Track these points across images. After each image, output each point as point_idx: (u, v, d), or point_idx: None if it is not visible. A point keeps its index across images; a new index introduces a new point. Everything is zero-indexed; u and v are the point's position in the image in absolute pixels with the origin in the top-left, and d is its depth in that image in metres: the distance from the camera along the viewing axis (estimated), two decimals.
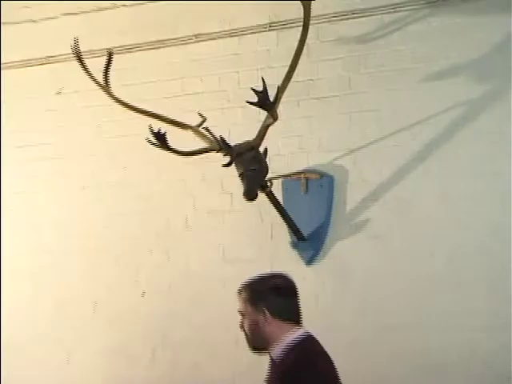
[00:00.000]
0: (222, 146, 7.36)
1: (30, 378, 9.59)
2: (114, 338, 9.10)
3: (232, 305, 7.30)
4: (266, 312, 6.63)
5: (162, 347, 8.86)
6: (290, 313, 6.87)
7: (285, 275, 6.87)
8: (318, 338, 7.34)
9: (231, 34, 8.24)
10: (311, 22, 7.12)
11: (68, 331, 9.27)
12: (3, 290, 9.65)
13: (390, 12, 7.67)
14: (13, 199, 9.51)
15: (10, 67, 9.24)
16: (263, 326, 6.63)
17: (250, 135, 7.48)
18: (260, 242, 8.23)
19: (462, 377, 7.61)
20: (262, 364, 6.69)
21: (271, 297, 6.74)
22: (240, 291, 6.78)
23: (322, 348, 6.83)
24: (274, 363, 6.64)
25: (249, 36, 8.13)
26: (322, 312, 8.02)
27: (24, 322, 9.59)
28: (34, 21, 9.02)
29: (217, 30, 8.32)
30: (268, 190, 7.59)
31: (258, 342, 6.69)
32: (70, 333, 9.29)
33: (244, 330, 6.67)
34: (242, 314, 6.68)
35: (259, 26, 8.04)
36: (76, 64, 7.60)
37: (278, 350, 6.62)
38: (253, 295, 6.75)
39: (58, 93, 8.90)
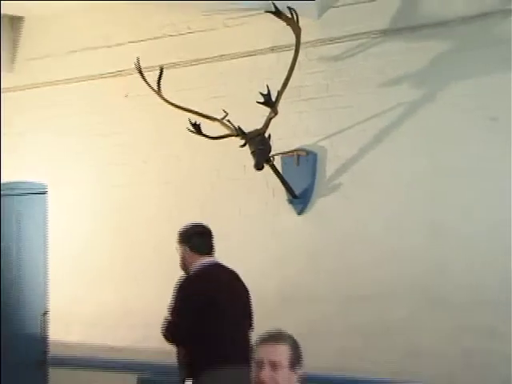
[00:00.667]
0: (239, 132, 7.73)
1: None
2: None
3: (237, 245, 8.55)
4: (187, 249, 7.71)
5: None
6: (204, 248, 7.79)
7: (203, 224, 7.86)
8: (302, 265, 7.78)
9: (245, 55, 8.37)
10: (301, 46, 7.33)
11: None
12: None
13: (356, 39, 7.82)
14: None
15: (99, 77, 9.36)
16: (187, 258, 7.65)
17: (259, 125, 7.63)
18: (265, 200, 8.39)
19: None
20: None
21: (192, 239, 7.73)
22: (177, 235, 7.86)
23: (218, 275, 7.71)
24: None
25: (257, 56, 8.29)
26: (307, 245, 8.18)
27: None
28: (108, 46, 9.14)
29: (235, 52, 8.41)
30: (271, 163, 7.91)
31: (185, 269, 7.73)
32: None
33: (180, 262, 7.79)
34: (177, 250, 7.79)
35: (265, 49, 8.23)
36: (138, 76, 7.93)
37: (190, 272, 7.72)
38: (181, 238, 7.83)
39: (126, 96, 9.09)
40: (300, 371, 4.69)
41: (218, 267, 7.72)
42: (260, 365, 4.64)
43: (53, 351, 9.88)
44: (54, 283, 9.89)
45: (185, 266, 7.70)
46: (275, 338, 4.72)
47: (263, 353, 4.65)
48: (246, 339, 7.51)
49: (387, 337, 7.69)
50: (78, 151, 9.73)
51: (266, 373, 4.59)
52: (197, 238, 7.75)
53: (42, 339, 10.00)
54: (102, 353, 9.42)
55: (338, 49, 7.99)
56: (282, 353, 4.63)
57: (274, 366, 4.59)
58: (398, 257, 7.69)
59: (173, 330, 7.55)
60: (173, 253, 8.17)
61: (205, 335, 7.35)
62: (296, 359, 4.67)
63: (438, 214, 7.52)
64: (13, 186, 10.32)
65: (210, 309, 7.34)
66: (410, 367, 7.52)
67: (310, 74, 7.97)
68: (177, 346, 7.59)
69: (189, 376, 7.41)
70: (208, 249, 7.73)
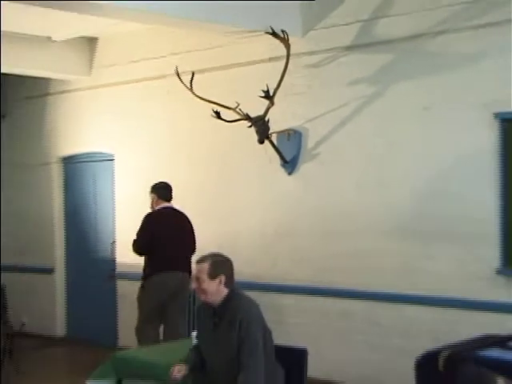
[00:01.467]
0: (247, 117, 7.80)
1: None
2: None
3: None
4: (155, 196, 8.32)
5: None
6: (164, 195, 8.36)
7: (166, 182, 8.40)
8: (291, 210, 7.98)
9: (250, 63, 8.33)
10: (290, 57, 7.43)
11: None
12: None
13: (329, 52, 7.76)
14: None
15: (150, 79, 9.35)
16: (154, 202, 8.28)
17: (261, 112, 7.65)
18: (265, 164, 8.31)
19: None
20: None
21: (159, 190, 8.34)
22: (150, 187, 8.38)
23: (170, 214, 8.36)
24: None
25: (259, 64, 8.24)
26: (294, 196, 8.14)
27: None
28: (156, 58, 9.14)
29: (243, 61, 8.37)
30: (269, 138, 7.94)
31: (152, 208, 8.31)
32: None
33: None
34: (149, 196, 8.35)
35: (264, 59, 8.15)
36: (177, 78, 7.93)
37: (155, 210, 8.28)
38: (152, 189, 8.36)
39: (168, 92, 9.02)
40: (219, 279, 4.69)
41: (172, 209, 8.41)
42: (193, 278, 4.84)
43: (119, 268, 10.00)
44: (118, 223, 10.01)
45: (152, 207, 8.37)
46: (201, 259, 4.81)
47: (195, 270, 4.81)
48: (188, 257, 8.21)
49: (348, 259, 7.74)
50: (135, 130, 9.73)
51: (194, 284, 4.80)
52: (162, 190, 8.39)
53: (112, 260, 10.10)
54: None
55: (316, 59, 7.93)
56: (202, 269, 4.71)
57: (198, 279, 4.71)
58: (359, 204, 7.68)
59: (136, 245, 8.21)
60: (194, 203, 8.85)
61: (154, 250, 8.07)
62: (214, 273, 4.69)
63: (388, 174, 7.51)
64: (90, 155, 10.45)
65: (159, 233, 8.06)
66: (373, 280, 7.59)
67: (296, 76, 7.90)
68: (139, 255, 8.27)
69: (144, 278, 8.22)
70: (168, 198, 8.38)
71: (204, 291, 4.69)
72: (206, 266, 4.70)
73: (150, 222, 8.24)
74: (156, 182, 8.44)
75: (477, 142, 6.87)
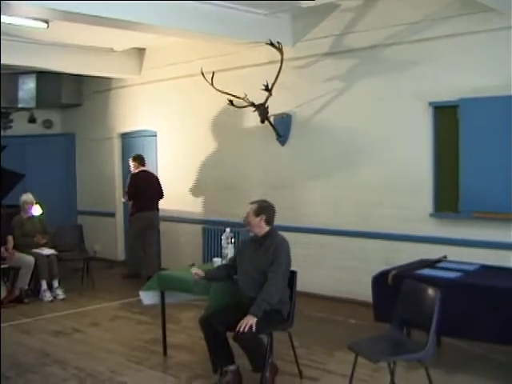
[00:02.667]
0: (252, 104, 7.74)
1: None
2: None
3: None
4: (136, 163, 8.99)
5: None
6: (141, 163, 9.10)
7: (140, 154, 9.24)
8: (283, 171, 7.80)
9: (254, 65, 8.24)
10: (283, 61, 7.33)
11: None
12: None
13: (312, 57, 7.68)
14: None
15: (182, 77, 9.25)
16: (135, 166, 9.00)
17: (262, 100, 7.59)
18: (265, 138, 8.18)
19: None
20: None
21: (137, 159, 9.07)
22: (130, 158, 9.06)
23: (144, 174, 9.04)
24: None
25: (261, 66, 8.09)
26: (286, 162, 8.05)
27: None
28: (187, 62, 9.00)
29: (249, 64, 8.27)
30: (268, 119, 7.86)
31: (133, 170, 9.05)
32: None
33: None
34: (131, 165, 9.02)
35: (264, 62, 7.98)
36: (201, 77, 7.81)
37: (135, 172, 8.94)
38: (133, 159, 9.06)
39: (195, 86, 8.77)
40: (261, 218, 4.87)
41: (146, 171, 9.20)
42: (246, 214, 4.95)
43: (161, 213, 9.54)
44: (160, 180, 9.74)
45: (134, 170, 9.11)
46: (251, 202, 5.00)
47: (248, 209, 4.96)
48: (157, 201, 9.17)
49: (325, 207, 7.73)
50: (171, 114, 9.61)
51: (244, 218, 5.00)
52: (139, 159, 9.18)
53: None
54: (185, 214, 9.50)
55: (302, 62, 7.82)
56: (251, 208, 4.93)
57: (247, 214, 4.93)
58: (332, 165, 7.65)
59: (128, 194, 9.05)
60: (212, 167, 8.80)
61: (137, 197, 8.95)
62: (258, 212, 4.89)
63: (351, 147, 7.42)
64: (140, 132, 10.32)
65: (140, 186, 8.96)
66: (341, 221, 7.59)
67: (288, 75, 7.74)
68: (130, 200, 9.12)
69: (131, 214, 9.17)
70: (143, 164, 9.19)
71: (249, 223, 4.91)
72: (253, 206, 4.93)
73: (135, 179, 9.09)
74: (135, 153, 9.38)
75: (416, 122, 6.88)
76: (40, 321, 7.01)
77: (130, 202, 9.17)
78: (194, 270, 4.96)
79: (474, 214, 6.34)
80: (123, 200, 9.63)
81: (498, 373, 4.94)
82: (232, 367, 4.68)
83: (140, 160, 9.27)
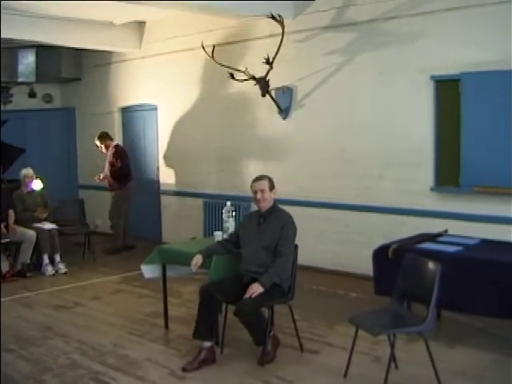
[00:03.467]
0: (253, 78, 7.73)
1: None
2: None
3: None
4: (109, 140, 9.13)
5: None
6: (110, 138, 9.23)
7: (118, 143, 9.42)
8: (284, 142, 7.85)
9: (255, 39, 8.21)
10: (284, 34, 7.29)
11: None
12: None
13: (311, 31, 7.61)
14: None
15: (183, 51, 9.16)
16: (110, 143, 9.12)
17: (263, 73, 7.57)
18: (266, 111, 8.16)
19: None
20: None
21: (108, 136, 9.26)
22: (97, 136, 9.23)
23: (124, 150, 9.29)
24: None
25: (262, 39, 8.07)
26: (287, 134, 8.02)
27: None
28: (186, 35, 8.91)
29: (250, 38, 8.23)
30: (269, 93, 7.82)
31: (107, 147, 9.27)
32: None
33: None
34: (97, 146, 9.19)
35: (266, 36, 7.97)
36: (202, 50, 7.79)
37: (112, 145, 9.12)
38: (106, 138, 9.23)
39: (195, 59, 8.92)
40: (274, 191, 4.93)
41: (119, 144, 9.50)
42: (255, 192, 4.88)
43: (162, 187, 9.95)
44: (161, 154, 9.92)
45: (107, 147, 9.27)
46: (260, 178, 4.96)
47: (256, 186, 4.90)
48: (130, 171, 9.35)
49: (325, 179, 7.72)
50: (171, 87, 9.54)
51: (259, 195, 4.85)
52: (109, 136, 9.35)
53: (157, 181, 10.05)
54: (185, 188, 9.51)
55: (303, 36, 7.76)
56: (264, 184, 4.90)
57: (262, 191, 4.87)
58: (332, 140, 7.61)
59: (120, 169, 9.17)
60: (213, 140, 8.71)
61: (126, 170, 9.21)
62: (271, 187, 4.91)
63: (353, 119, 7.39)
64: (140, 106, 10.27)
65: (124, 158, 9.22)
66: (343, 195, 7.59)
67: (289, 48, 7.69)
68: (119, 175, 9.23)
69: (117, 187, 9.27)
70: (112, 138, 9.39)
71: (265, 199, 4.87)
72: (266, 182, 4.90)
73: (121, 152, 9.29)
74: (101, 132, 9.47)
75: (417, 95, 6.83)
76: (42, 295, 7.03)
77: (110, 178, 9.26)
78: (194, 261, 4.88)
79: (474, 188, 6.32)
80: (98, 179, 9.42)
81: (497, 346, 4.92)
82: (208, 344, 4.69)
83: (110, 136, 9.47)
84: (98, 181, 9.45)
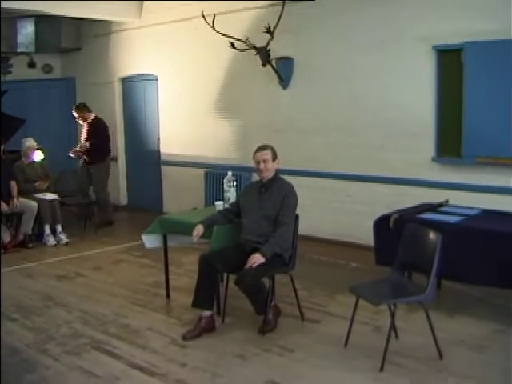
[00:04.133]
0: (254, 47, 7.69)
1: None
2: None
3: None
4: (86, 112, 8.91)
5: None
6: (87, 109, 8.97)
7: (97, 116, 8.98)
8: (284, 113, 7.71)
9: (256, 8, 8.02)
10: (285, 4, 7.29)
11: None
12: None
13: (311, 1, 7.67)
14: None
15: (183, 20, 9.06)
16: (89, 114, 8.90)
17: (264, 43, 7.54)
18: (267, 82, 8.07)
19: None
20: None
21: (86, 107, 8.99)
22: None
23: (104, 122, 9.03)
24: None
25: (263, 9, 7.92)
26: (287, 104, 7.95)
27: None
28: (188, 5, 8.76)
29: (251, 7, 8.04)
30: (270, 63, 7.76)
31: (86, 119, 9.06)
32: None
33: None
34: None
35: (267, 5, 7.81)
36: (202, 20, 7.72)
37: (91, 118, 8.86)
38: (84, 109, 8.96)
39: (196, 28, 8.57)
40: (276, 161, 4.91)
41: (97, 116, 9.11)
42: (258, 162, 4.85)
43: (162, 157, 9.96)
44: (162, 124, 9.91)
45: (86, 118, 9.00)
46: (262, 148, 4.91)
47: (259, 156, 4.86)
48: (109, 147, 9.16)
49: (327, 150, 7.70)
50: (171, 57, 9.47)
51: (262, 165, 4.84)
52: (86, 106, 9.02)
53: (157, 152, 10.02)
54: (186, 158, 9.50)
55: (304, 4, 7.57)
56: (267, 154, 4.85)
57: (264, 161, 4.82)
58: (332, 110, 7.56)
59: (102, 142, 9.02)
60: (214, 110, 8.60)
61: (107, 142, 9.07)
62: (274, 157, 4.89)
63: (353, 89, 7.32)
64: (141, 76, 10.21)
65: (106, 130, 9.04)
66: (345, 165, 7.60)
67: (290, 18, 7.54)
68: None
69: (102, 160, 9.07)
70: (90, 110, 9.03)
71: (268, 170, 4.84)
72: (268, 151, 4.86)
73: (102, 125, 9.09)
74: (81, 102, 9.30)
75: (419, 65, 6.75)
76: (43, 265, 7.04)
77: (85, 152, 8.91)
78: (195, 231, 4.86)
79: (476, 159, 6.28)
80: (73, 154, 8.98)
81: (497, 315, 4.94)
82: (208, 313, 4.71)
83: (88, 108, 9.12)
84: (72, 155, 9.03)
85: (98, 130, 9.05)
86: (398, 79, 6.95)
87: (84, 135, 9.09)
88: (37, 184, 8.26)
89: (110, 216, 9.30)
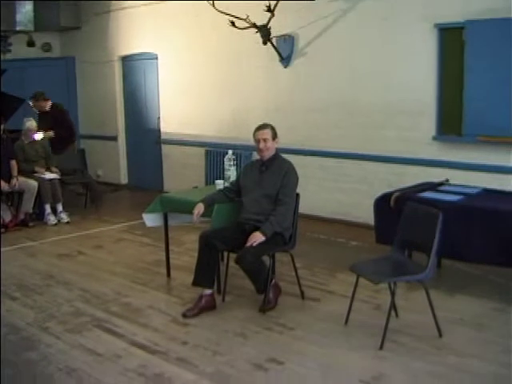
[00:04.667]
0: (254, 25, 7.61)
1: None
2: None
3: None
4: (44, 100, 8.51)
5: None
6: (45, 96, 8.55)
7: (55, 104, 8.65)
8: (285, 92, 7.64)
9: None
10: None
11: None
12: None
13: None
14: None
15: None
16: (46, 104, 8.56)
17: (265, 21, 7.47)
18: (268, 60, 8.04)
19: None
20: None
21: (43, 95, 8.55)
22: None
23: (64, 112, 8.73)
24: None
25: None
26: (288, 82, 7.92)
27: None
28: None
29: None
30: (271, 41, 7.72)
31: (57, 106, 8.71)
32: None
33: None
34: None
35: None
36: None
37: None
38: (43, 98, 8.49)
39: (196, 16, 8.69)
40: (276, 140, 4.89)
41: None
42: (258, 141, 4.84)
43: (163, 136, 9.94)
44: (162, 103, 9.88)
45: (42, 107, 8.61)
46: (263, 126, 4.89)
47: (259, 135, 4.84)
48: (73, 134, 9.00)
49: (327, 129, 7.67)
50: (171, 37, 9.42)
51: (262, 144, 4.82)
52: (44, 94, 8.62)
53: (158, 130, 10.00)
54: (186, 136, 9.45)
55: None
56: (267, 133, 4.83)
57: (264, 140, 4.80)
58: (334, 88, 7.52)
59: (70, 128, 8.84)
60: (215, 89, 8.53)
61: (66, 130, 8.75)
62: (274, 135, 4.87)
63: (356, 67, 7.28)
64: (141, 55, 10.15)
65: (67, 121, 8.83)
66: (344, 144, 7.58)
67: None
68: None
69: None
70: (46, 100, 8.61)
71: (268, 148, 4.82)
72: (269, 130, 4.85)
73: (65, 112, 8.90)
74: (38, 91, 8.68)
75: (421, 43, 6.70)
76: (44, 244, 7.05)
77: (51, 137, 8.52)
78: (195, 210, 4.84)
79: (477, 137, 6.25)
80: (38, 137, 8.31)
81: (496, 294, 4.94)
82: (208, 291, 4.72)
83: (45, 96, 8.65)
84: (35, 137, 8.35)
85: (61, 118, 8.72)
86: (400, 57, 6.90)
87: (46, 124, 8.52)
88: (36, 168, 8.14)
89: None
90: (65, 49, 11.67)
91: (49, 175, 8.15)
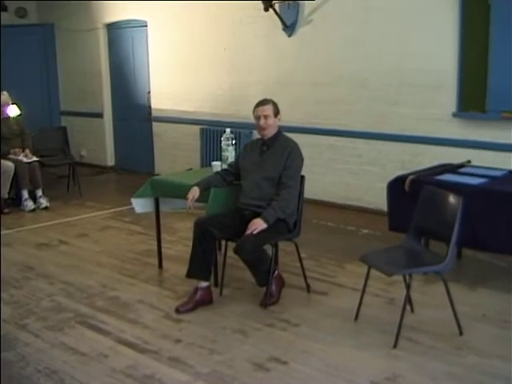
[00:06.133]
0: None
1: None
2: None
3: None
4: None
5: None
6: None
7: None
8: (290, 64, 7.69)
9: None
10: None
11: None
12: None
13: None
14: None
15: None
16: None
17: None
18: (271, 28, 7.99)
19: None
20: None
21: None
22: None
23: None
24: None
25: None
26: (292, 53, 7.90)
27: None
28: None
29: None
30: (273, 7, 7.68)
31: None
32: None
33: None
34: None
35: None
36: None
37: None
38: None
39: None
40: (278, 117, 4.86)
41: None
42: (258, 118, 4.81)
43: (153, 113, 9.92)
44: (152, 77, 9.86)
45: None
46: (263, 102, 4.85)
47: (259, 111, 4.81)
48: None
49: (335, 105, 7.66)
50: (163, 0, 9.31)
51: (262, 121, 4.79)
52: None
53: (148, 107, 9.99)
54: (180, 113, 9.45)
55: None
56: (268, 109, 4.79)
57: (265, 116, 4.76)
58: (342, 60, 7.50)
59: None
60: (214, 60, 8.56)
61: None
62: (276, 112, 4.84)
63: (366, 36, 7.23)
64: (128, 22, 10.12)
65: None
66: (354, 121, 7.54)
67: None
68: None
69: None
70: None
71: (269, 126, 4.79)
72: (270, 106, 4.82)
73: None
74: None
75: (441, 9, 6.63)
76: (22, 232, 7.05)
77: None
78: (190, 194, 4.81)
79: (502, 114, 6.22)
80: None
81: None
82: (204, 284, 4.71)
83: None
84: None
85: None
86: (417, 24, 6.84)
87: None
88: (12, 150, 8.03)
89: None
90: (42, 14, 11.54)
91: (27, 158, 8.06)
